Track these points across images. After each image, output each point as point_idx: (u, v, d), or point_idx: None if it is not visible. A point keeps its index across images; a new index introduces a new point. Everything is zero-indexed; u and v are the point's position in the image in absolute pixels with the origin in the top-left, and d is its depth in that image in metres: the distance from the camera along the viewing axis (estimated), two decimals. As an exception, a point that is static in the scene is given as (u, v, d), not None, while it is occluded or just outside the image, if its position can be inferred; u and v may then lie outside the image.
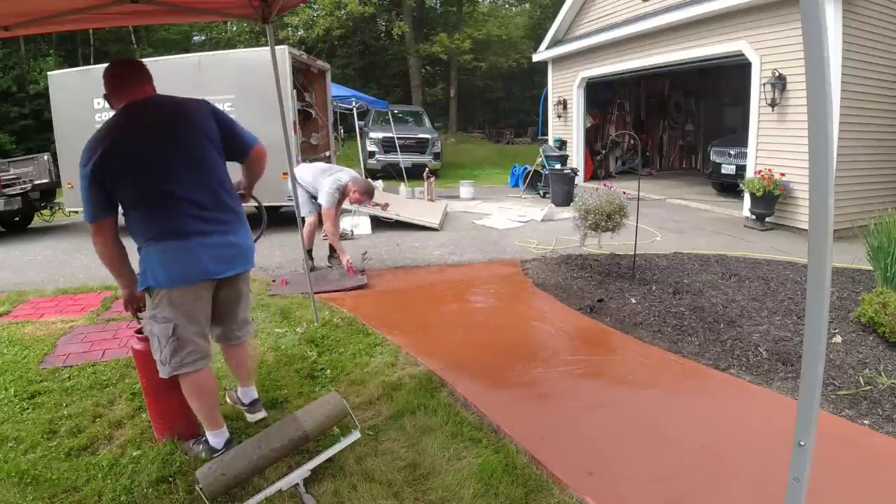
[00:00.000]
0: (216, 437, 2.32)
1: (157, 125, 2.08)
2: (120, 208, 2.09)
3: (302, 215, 5.17)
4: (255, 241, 2.42)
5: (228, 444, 2.32)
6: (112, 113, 2.13)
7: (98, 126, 2.11)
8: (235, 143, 2.28)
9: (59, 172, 7.94)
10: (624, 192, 5.33)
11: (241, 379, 2.60)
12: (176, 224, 2.05)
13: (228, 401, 2.70)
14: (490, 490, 2.11)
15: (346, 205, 7.64)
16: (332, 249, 5.51)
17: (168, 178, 2.04)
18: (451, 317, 4.22)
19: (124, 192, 2.04)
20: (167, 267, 2.05)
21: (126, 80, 2.11)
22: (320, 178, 5.05)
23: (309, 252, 5.34)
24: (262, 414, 2.59)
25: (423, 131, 14.61)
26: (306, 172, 5.24)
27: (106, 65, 2.16)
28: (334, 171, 5.20)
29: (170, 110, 2.14)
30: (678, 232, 7.14)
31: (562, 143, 11.82)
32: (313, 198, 5.22)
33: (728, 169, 9.36)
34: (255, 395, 2.63)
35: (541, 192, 10.57)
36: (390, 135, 12.96)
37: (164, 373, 2.16)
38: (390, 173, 12.84)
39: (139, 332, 2.29)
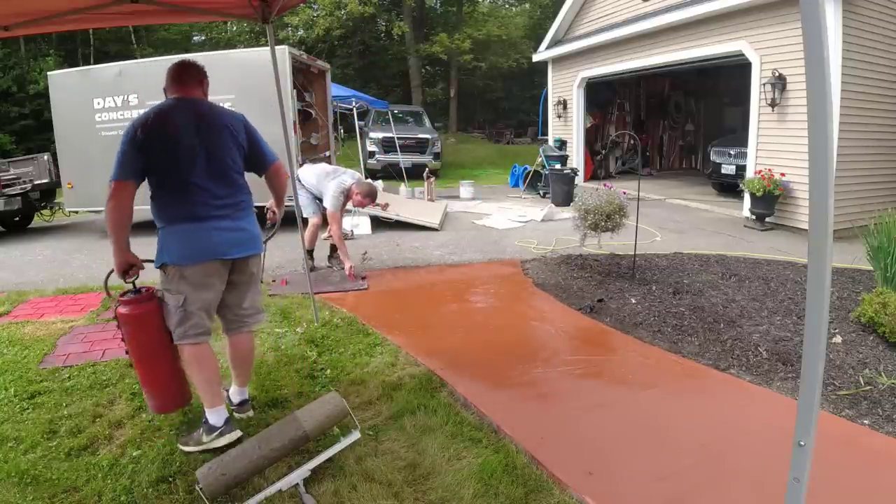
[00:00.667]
0: (216, 415, 2.39)
1: (197, 122, 2.34)
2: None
3: (305, 216, 5.18)
4: (266, 241, 2.53)
5: (228, 422, 2.41)
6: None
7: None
8: (258, 156, 2.57)
9: (59, 172, 7.94)
10: (624, 192, 5.33)
11: (239, 377, 2.65)
12: (194, 210, 2.29)
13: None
14: (490, 490, 2.11)
15: (347, 206, 7.67)
16: (333, 249, 5.53)
17: (194, 167, 2.29)
18: (451, 317, 4.22)
19: (156, 171, 2.28)
20: (182, 245, 2.29)
21: (185, 76, 2.43)
22: (324, 181, 5.09)
23: (310, 252, 5.37)
24: (249, 413, 2.68)
25: (423, 131, 14.61)
26: (309, 174, 5.26)
27: (174, 61, 2.49)
28: (338, 173, 5.22)
29: (210, 112, 2.42)
30: (678, 232, 7.14)
31: (562, 143, 11.82)
32: (317, 199, 5.24)
33: (728, 169, 9.36)
34: (247, 396, 2.71)
35: (541, 192, 10.57)
36: (390, 135, 12.96)
37: (174, 339, 2.35)
38: (390, 173, 12.84)
39: (123, 295, 2.34)
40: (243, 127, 2.52)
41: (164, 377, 2.39)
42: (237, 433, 2.41)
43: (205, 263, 2.31)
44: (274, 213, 2.90)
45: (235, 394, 2.69)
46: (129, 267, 2.31)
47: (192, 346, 2.34)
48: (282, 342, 3.61)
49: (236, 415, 2.63)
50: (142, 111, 2.33)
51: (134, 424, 2.63)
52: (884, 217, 4.25)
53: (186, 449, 2.37)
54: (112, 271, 2.36)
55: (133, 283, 2.35)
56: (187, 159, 2.28)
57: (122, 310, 2.30)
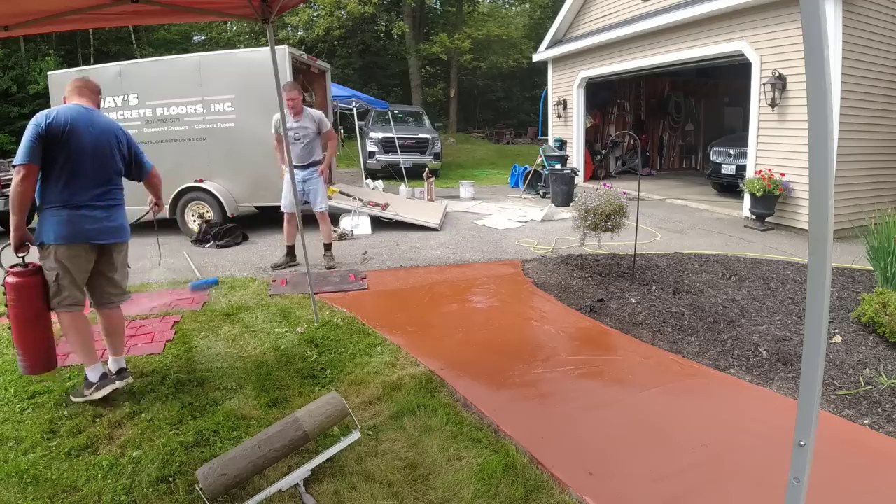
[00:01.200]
0: (93, 372, 2.82)
1: (91, 127, 2.77)
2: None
3: (290, 212, 5.35)
4: (137, 221, 3.12)
5: (104, 377, 2.82)
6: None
7: None
8: (138, 164, 3.06)
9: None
10: (624, 192, 5.33)
11: (112, 346, 3.02)
12: (73, 199, 2.70)
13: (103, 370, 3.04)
14: (490, 490, 2.11)
15: (346, 205, 7.67)
16: (327, 248, 5.60)
17: (82, 164, 2.71)
18: (452, 317, 4.22)
19: (52, 161, 2.64)
20: (58, 228, 2.66)
21: (86, 90, 2.90)
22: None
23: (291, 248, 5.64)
24: (129, 380, 2.99)
25: (423, 131, 14.61)
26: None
27: (87, 71, 2.84)
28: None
29: (102, 121, 2.88)
30: (678, 232, 7.14)
31: (562, 143, 11.82)
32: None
33: (728, 169, 9.36)
34: (123, 364, 3.04)
35: (541, 192, 10.57)
36: (390, 135, 12.96)
37: (52, 307, 2.74)
38: (390, 173, 12.84)
39: (12, 267, 2.67)
40: (126, 139, 2.97)
41: (37, 342, 2.71)
42: (111, 386, 2.83)
43: (75, 245, 2.71)
44: (157, 205, 3.30)
45: (112, 363, 2.99)
46: (22, 243, 2.68)
47: (67, 314, 2.75)
48: (282, 342, 3.62)
49: (117, 383, 2.91)
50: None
51: (134, 424, 2.63)
52: (884, 217, 4.25)
53: (75, 399, 2.81)
54: (6, 246, 2.80)
55: (23, 258, 2.70)
56: (78, 156, 2.68)
57: (10, 280, 2.63)
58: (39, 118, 2.61)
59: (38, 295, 2.67)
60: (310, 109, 5.49)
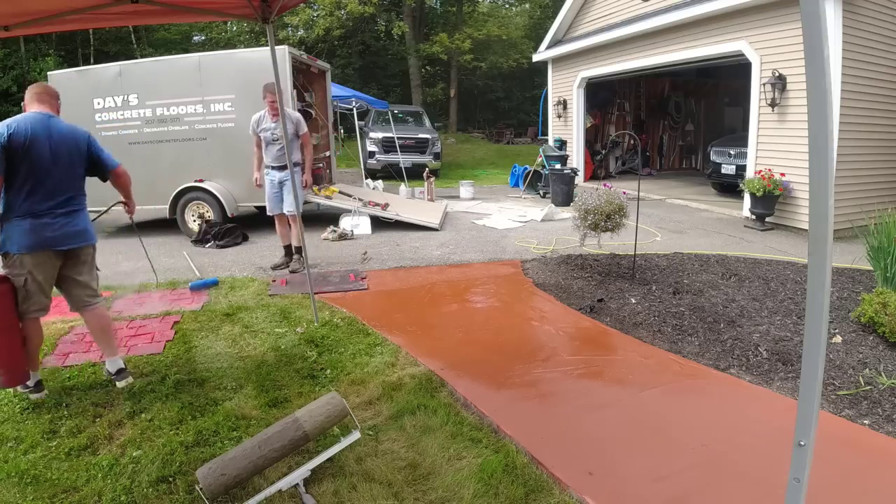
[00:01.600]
0: (32, 378, 2.87)
1: (50, 134, 2.79)
2: None
3: (277, 213, 5.46)
4: (95, 219, 3.16)
5: (38, 385, 2.88)
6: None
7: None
8: (100, 164, 3.07)
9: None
10: (624, 193, 5.33)
11: (104, 348, 3.04)
12: (34, 207, 2.73)
13: (105, 375, 3.11)
14: (490, 490, 2.11)
15: (346, 205, 7.67)
16: (296, 250, 5.55)
17: (42, 172, 2.74)
18: (452, 317, 4.22)
19: (16, 171, 2.68)
20: (21, 237, 2.71)
21: (44, 95, 2.93)
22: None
23: (288, 249, 5.63)
24: (129, 380, 3.03)
25: (423, 131, 14.61)
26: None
27: (38, 83, 3.03)
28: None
29: (64, 129, 2.89)
30: (678, 232, 7.14)
31: (562, 143, 11.82)
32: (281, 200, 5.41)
33: (728, 169, 9.36)
34: (121, 365, 3.05)
35: (541, 192, 10.57)
36: (390, 135, 12.96)
37: (20, 314, 2.77)
38: (390, 173, 12.84)
39: None
40: (87, 142, 3.01)
41: (12, 352, 2.68)
42: (41, 395, 2.89)
43: (39, 252, 2.75)
44: (127, 204, 3.37)
45: (109, 364, 3.03)
46: None
47: (33, 321, 2.81)
48: (282, 342, 3.62)
49: (118, 384, 2.98)
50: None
51: (134, 424, 2.63)
52: (884, 217, 4.25)
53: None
54: None
55: None
56: (39, 165, 2.72)
57: None
58: (1, 129, 2.63)
59: (9, 304, 2.68)
60: (289, 111, 5.49)
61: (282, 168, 5.31)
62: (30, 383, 2.89)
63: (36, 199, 2.73)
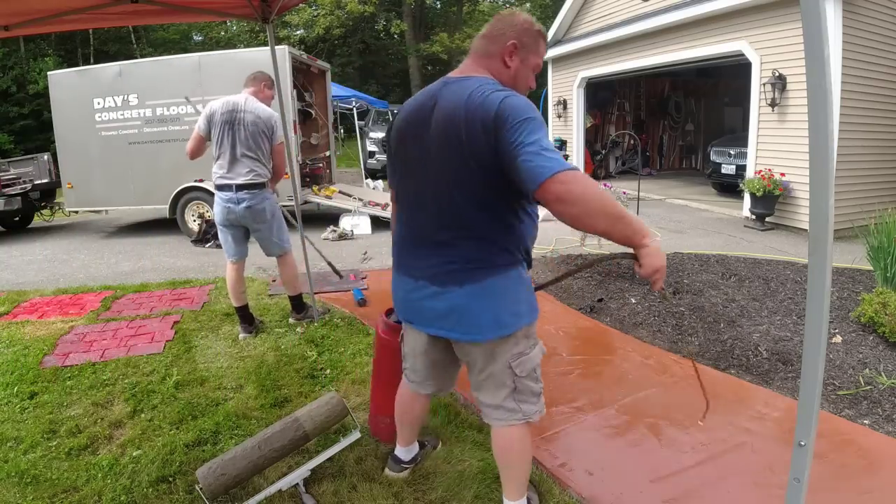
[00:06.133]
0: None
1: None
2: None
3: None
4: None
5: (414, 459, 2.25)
6: None
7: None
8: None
9: (59, 172, 7.94)
10: (624, 192, 5.34)
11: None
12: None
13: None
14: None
15: (346, 205, 7.67)
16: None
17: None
18: (451, 317, 4.21)
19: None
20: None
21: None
22: None
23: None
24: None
25: (424, 131, 14.60)
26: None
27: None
28: None
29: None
30: (678, 232, 7.14)
31: (562, 143, 11.82)
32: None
33: (728, 169, 9.36)
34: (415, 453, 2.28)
35: (541, 192, 10.55)
36: (390, 135, 12.96)
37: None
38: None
39: (388, 313, 2.31)
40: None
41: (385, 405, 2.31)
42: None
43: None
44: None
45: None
46: None
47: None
48: (282, 342, 3.61)
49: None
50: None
51: (134, 424, 2.63)
52: (884, 217, 4.25)
53: None
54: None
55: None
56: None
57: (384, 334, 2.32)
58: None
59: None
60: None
61: None
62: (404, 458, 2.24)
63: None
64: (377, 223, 7.53)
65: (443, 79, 1.68)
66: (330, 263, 4.84)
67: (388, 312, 2.31)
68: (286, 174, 3.93)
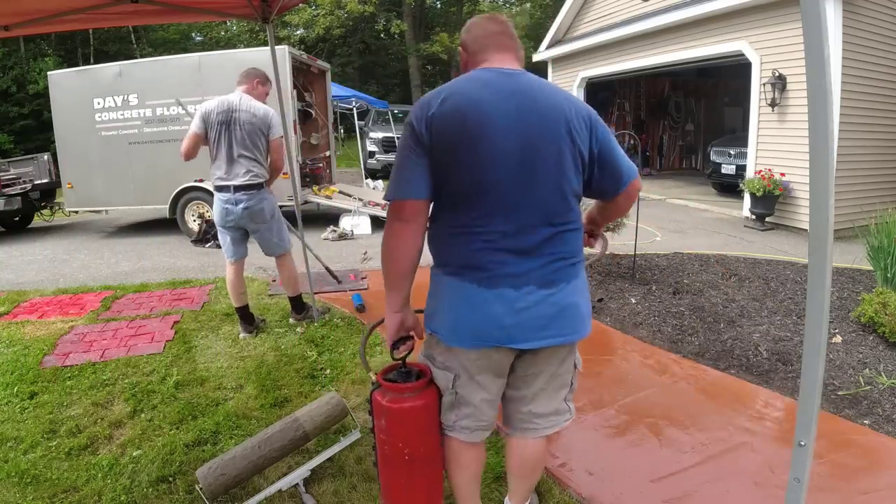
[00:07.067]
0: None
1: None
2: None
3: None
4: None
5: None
6: None
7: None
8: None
9: (59, 172, 7.94)
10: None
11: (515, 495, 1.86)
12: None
13: None
14: (491, 491, 2.11)
15: (346, 205, 7.67)
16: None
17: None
18: (451, 317, 4.21)
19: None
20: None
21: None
22: None
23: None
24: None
25: (424, 131, 14.60)
26: None
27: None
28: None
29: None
30: (678, 232, 7.14)
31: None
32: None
33: (728, 169, 9.36)
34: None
35: (541, 192, 10.56)
36: (390, 135, 12.97)
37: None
38: (391, 173, 12.85)
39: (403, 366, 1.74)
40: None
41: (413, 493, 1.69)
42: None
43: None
44: None
45: None
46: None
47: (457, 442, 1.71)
48: (282, 342, 3.61)
49: None
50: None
51: (134, 424, 2.63)
52: (884, 217, 4.25)
53: None
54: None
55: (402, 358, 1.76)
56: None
57: (409, 404, 1.65)
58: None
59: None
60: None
61: None
62: None
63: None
64: (377, 223, 7.53)
65: (500, 70, 1.51)
66: (329, 269, 4.85)
67: (385, 372, 1.76)
68: (285, 174, 3.92)
